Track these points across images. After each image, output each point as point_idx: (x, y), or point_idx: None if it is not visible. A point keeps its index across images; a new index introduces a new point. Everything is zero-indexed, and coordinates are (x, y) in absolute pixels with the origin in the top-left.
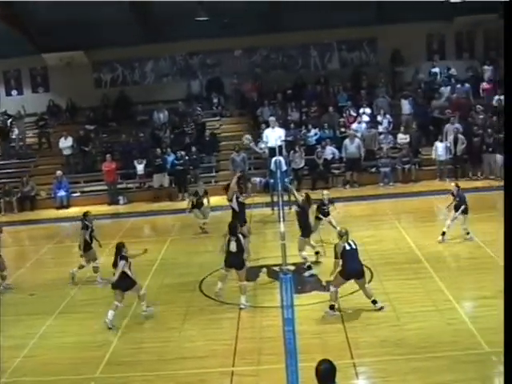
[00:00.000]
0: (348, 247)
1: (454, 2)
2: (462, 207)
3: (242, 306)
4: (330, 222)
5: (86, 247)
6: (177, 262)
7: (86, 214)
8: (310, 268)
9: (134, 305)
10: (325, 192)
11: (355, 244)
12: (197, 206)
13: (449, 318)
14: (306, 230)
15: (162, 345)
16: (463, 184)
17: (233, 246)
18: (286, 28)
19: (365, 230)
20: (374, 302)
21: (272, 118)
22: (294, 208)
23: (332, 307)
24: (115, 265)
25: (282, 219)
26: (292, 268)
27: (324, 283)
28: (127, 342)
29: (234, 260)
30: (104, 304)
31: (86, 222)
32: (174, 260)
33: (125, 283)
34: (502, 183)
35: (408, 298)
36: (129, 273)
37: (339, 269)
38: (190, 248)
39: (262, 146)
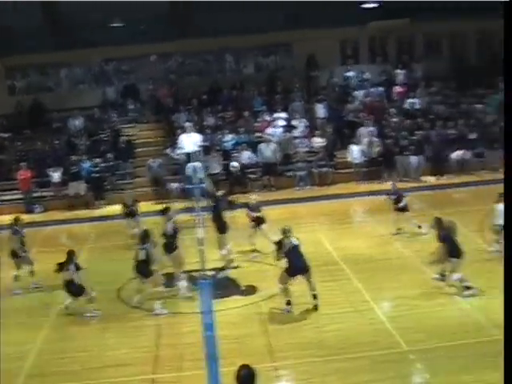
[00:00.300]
0: (294, 244)
1: (367, 8)
2: (401, 204)
3: (157, 312)
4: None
5: (18, 253)
6: (94, 270)
7: (16, 220)
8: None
9: (53, 315)
10: (252, 197)
11: (298, 240)
12: (130, 215)
13: (367, 319)
14: (221, 227)
15: (83, 354)
16: (377, 186)
17: (141, 255)
18: (201, 33)
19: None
20: (315, 296)
21: (188, 124)
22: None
23: (289, 303)
24: (61, 270)
25: (200, 225)
26: (211, 273)
27: (243, 287)
28: (48, 353)
29: (142, 268)
30: (31, 314)
31: (17, 228)
32: (91, 268)
33: (75, 289)
34: (416, 184)
35: (327, 299)
36: (77, 280)
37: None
38: (107, 256)
39: (179, 151)
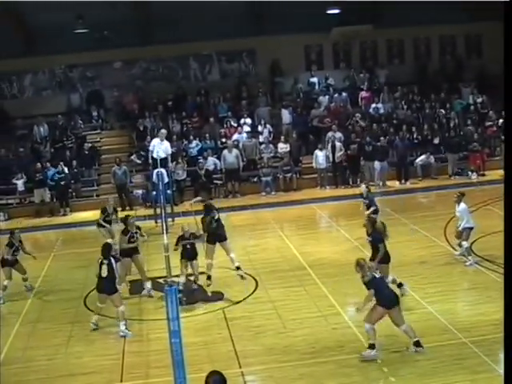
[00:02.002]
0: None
1: (330, 13)
2: (372, 208)
3: (122, 334)
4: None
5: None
6: (60, 277)
7: (12, 233)
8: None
9: (17, 324)
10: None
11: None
12: (107, 223)
13: (334, 323)
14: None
15: (48, 362)
16: (343, 191)
17: (104, 271)
18: (165, 40)
19: (248, 240)
20: None
21: (163, 131)
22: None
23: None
24: None
25: (165, 231)
26: (177, 280)
27: (209, 294)
28: (13, 362)
29: (106, 285)
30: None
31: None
32: (57, 276)
33: None
34: (380, 189)
35: (293, 305)
36: None
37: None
38: (73, 263)
39: (154, 155)
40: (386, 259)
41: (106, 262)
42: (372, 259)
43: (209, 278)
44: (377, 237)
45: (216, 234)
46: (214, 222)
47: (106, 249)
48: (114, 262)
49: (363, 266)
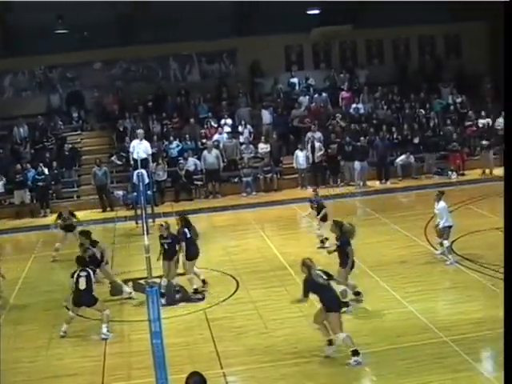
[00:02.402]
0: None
1: (310, 14)
2: (323, 211)
3: (104, 336)
4: None
5: None
6: (41, 279)
7: None
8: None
9: None
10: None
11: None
12: (68, 228)
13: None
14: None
15: (30, 365)
16: (323, 191)
17: (82, 283)
18: (145, 40)
19: (229, 240)
20: None
21: (140, 131)
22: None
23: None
24: None
25: (145, 232)
26: (158, 281)
27: (191, 294)
28: None
29: (85, 298)
30: None
31: None
32: (37, 277)
33: None
34: (360, 189)
35: (274, 305)
36: None
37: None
38: (54, 265)
39: (134, 156)
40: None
41: (83, 274)
42: (341, 264)
43: (203, 281)
44: (344, 240)
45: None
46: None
47: (82, 258)
48: (92, 273)
49: (310, 267)
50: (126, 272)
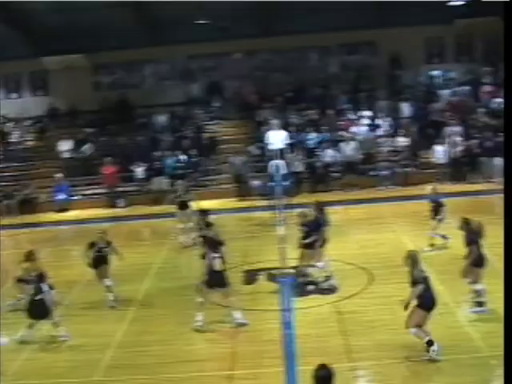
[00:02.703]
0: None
1: (453, 5)
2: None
3: (240, 321)
4: None
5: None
6: (177, 265)
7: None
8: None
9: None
10: None
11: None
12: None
13: (449, 321)
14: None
15: (161, 348)
16: (461, 187)
17: (217, 264)
18: (285, 31)
19: (364, 234)
20: None
21: (275, 121)
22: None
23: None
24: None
25: (281, 222)
26: (292, 271)
27: (323, 287)
28: (126, 346)
29: (219, 279)
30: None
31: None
32: (173, 263)
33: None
34: (499, 187)
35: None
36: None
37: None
38: (189, 251)
39: (269, 147)
40: (481, 262)
41: (217, 255)
42: (470, 264)
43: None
44: (471, 238)
45: None
46: None
47: (212, 241)
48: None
49: (415, 260)
50: (260, 262)
